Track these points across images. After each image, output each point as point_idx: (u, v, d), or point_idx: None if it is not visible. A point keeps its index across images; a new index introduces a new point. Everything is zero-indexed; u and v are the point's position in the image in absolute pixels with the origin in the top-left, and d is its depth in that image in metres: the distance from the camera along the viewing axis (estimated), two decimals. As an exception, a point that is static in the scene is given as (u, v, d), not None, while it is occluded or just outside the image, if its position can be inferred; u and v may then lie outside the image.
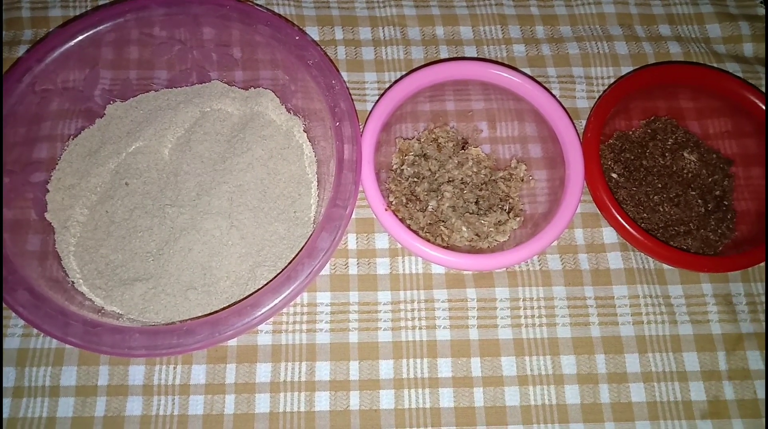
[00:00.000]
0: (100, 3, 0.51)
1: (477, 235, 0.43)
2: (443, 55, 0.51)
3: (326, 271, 0.44)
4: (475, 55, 0.51)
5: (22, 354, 0.40)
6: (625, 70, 0.51)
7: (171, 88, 0.47)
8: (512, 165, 0.46)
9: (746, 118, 0.45)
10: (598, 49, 0.51)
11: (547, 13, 0.53)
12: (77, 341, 0.34)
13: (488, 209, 0.44)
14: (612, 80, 0.50)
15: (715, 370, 0.42)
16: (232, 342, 0.41)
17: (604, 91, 0.49)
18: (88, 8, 0.51)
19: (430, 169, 0.45)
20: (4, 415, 0.39)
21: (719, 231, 0.44)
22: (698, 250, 0.44)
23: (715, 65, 0.51)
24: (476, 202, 0.44)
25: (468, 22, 0.52)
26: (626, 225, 0.41)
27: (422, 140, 0.46)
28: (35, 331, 0.41)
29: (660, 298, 0.44)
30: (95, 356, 0.40)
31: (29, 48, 0.49)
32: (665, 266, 0.45)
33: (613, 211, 0.41)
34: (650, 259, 0.45)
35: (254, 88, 0.47)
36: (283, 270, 0.37)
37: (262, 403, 0.40)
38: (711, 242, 0.44)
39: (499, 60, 0.51)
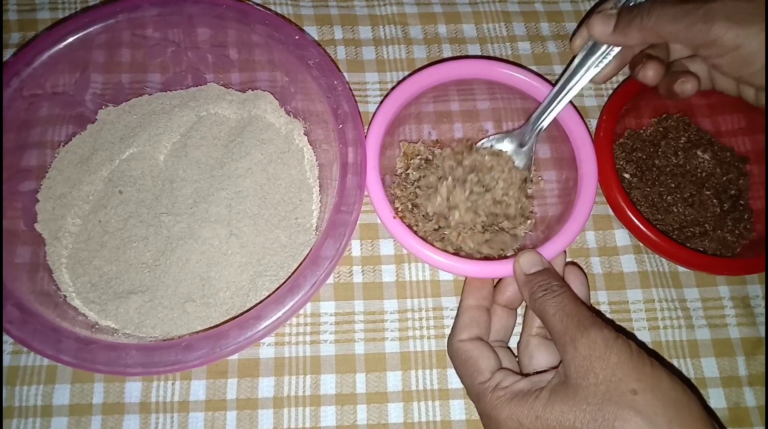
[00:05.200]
0: (90, 4, 0.49)
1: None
2: (446, 53, 0.50)
3: (330, 279, 0.42)
4: (479, 54, 0.50)
5: (12, 372, 0.38)
6: (634, 67, 0.49)
7: (165, 91, 0.45)
8: (520, 166, 0.44)
9: (759, 113, 0.44)
10: (605, 45, 0.50)
11: (552, 9, 0.52)
12: (70, 359, 0.32)
13: (497, 213, 0.42)
14: (620, 78, 0.49)
15: (735, 376, 0.41)
16: (233, 356, 0.39)
17: (615, 89, 0.48)
18: (78, 10, 0.49)
19: (436, 173, 0.43)
20: (-6, 437, 0.37)
21: (736, 231, 0.43)
22: (715, 251, 0.42)
23: (725, 61, 0.49)
24: (485, 206, 0.42)
25: (471, 19, 0.51)
26: (643, 228, 0.39)
27: (427, 144, 0.45)
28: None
29: (676, 301, 0.42)
30: (89, 373, 0.39)
31: (16, 51, 0.47)
32: (680, 268, 0.43)
33: (629, 213, 0.39)
34: (665, 261, 0.43)
35: (252, 90, 0.45)
36: (286, 280, 0.35)
37: (266, 420, 0.38)
38: (728, 243, 0.43)
39: (504, 58, 0.49)
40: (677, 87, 0.36)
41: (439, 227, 0.41)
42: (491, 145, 0.43)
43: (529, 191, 0.43)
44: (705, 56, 0.35)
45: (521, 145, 0.42)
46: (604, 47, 0.38)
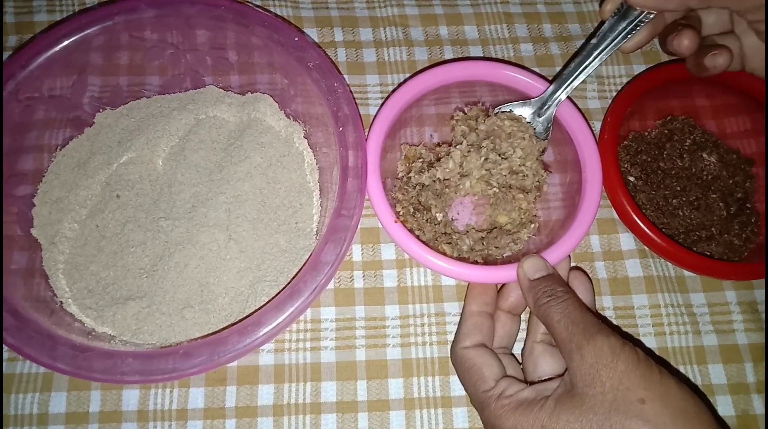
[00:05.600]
0: (88, 5, 0.49)
1: (489, 244, 0.41)
2: (448, 55, 0.49)
3: (330, 284, 0.41)
4: (481, 56, 0.49)
5: (7, 380, 0.38)
6: (638, 68, 0.49)
7: (164, 94, 0.45)
8: (524, 169, 0.44)
9: (765, 115, 0.43)
10: (608, 47, 0.49)
11: (555, 10, 0.51)
12: (65, 367, 0.32)
13: (500, 216, 0.41)
14: (624, 79, 0.48)
15: (743, 383, 0.40)
16: (232, 363, 0.39)
17: (620, 90, 0.47)
18: (75, 12, 0.49)
19: (438, 176, 0.42)
20: (-11, 446, 0.36)
21: (743, 235, 0.42)
22: (722, 256, 0.42)
23: (730, 62, 0.49)
24: (487, 209, 0.42)
25: (473, 21, 0.50)
26: (648, 231, 0.38)
27: (429, 147, 0.44)
28: (21, 355, 0.38)
29: (682, 307, 0.42)
30: (86, 381, 0.38)
31: (12, 53, 0.46)
32: (686, 273, 0.42)
33: (634, 216, 0.39)
34: (671, 266, 0.43)
35: (251, 93, 0.45)
36: (286, 285, 0.35)
37: (265, 428, 0.38)
38: (735, 247, 0.42)
39: (506, 60, 0.49)
40: (708, 60, 0.35)
41: (446, 233, 0.41)
42: (510, 110, 0.41)
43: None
44: (752, 21, 0.34)
45: (539, 115, 0.40)
46: (637, 12, 0.36)
